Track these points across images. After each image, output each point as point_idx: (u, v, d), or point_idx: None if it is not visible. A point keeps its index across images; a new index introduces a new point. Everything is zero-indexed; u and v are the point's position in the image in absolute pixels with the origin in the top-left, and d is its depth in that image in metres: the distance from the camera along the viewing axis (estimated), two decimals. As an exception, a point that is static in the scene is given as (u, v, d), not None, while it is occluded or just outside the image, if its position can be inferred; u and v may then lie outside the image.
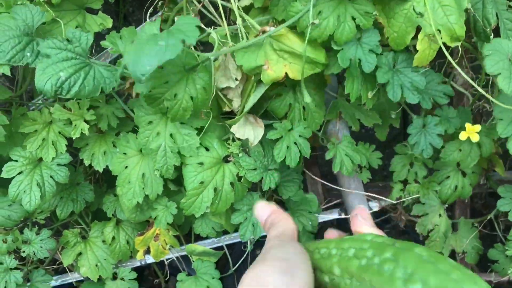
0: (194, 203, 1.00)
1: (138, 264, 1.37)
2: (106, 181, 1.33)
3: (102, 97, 1.10)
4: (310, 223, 1.22)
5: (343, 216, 1.32)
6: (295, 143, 1.00)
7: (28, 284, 1.27)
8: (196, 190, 0.99)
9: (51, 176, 1.08)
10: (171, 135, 0.99)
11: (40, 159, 1.09)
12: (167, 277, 1.40)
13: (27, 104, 1.18)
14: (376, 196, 1.22)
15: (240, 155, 1.02)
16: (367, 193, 1.23)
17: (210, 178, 1.00)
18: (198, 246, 1.23)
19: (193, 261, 1.26)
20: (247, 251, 1.27)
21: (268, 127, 1.01)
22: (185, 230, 1.35)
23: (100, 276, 1.30)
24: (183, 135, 0.99)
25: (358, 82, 0.93)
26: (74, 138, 1.08)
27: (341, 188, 1.24)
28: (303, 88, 0.89)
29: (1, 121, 1.01)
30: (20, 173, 1.07)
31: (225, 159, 1.03)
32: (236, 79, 0.95)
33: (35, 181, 1.06)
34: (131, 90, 1.04)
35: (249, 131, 1.01)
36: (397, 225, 1.34)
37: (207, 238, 1.32)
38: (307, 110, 1.02)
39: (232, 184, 1.02)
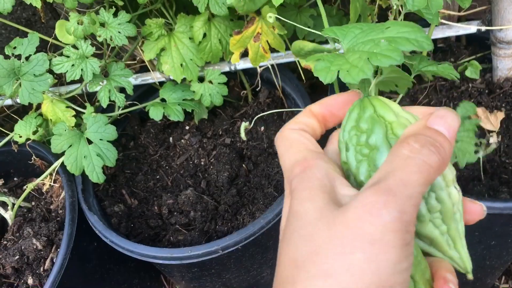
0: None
1: (226, 69, 1.18)
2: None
3: None
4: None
5: (483, 28, 1.04)
6: None
7: (106, 77, 1.11)
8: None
9: None
10: None
11: None
12: (258, 88, 1.21)
13: None
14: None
15: None
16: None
17: None
18: (307, 43, 0.98)
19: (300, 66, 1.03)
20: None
21: None
22: (288, 34, 1.11)
23: (184, 78, 1.13)
24: None
25: None
26: None
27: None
28: None
29: None
30: None
31: None
32: None
33: None
34: None
35: None
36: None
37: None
38: None
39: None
